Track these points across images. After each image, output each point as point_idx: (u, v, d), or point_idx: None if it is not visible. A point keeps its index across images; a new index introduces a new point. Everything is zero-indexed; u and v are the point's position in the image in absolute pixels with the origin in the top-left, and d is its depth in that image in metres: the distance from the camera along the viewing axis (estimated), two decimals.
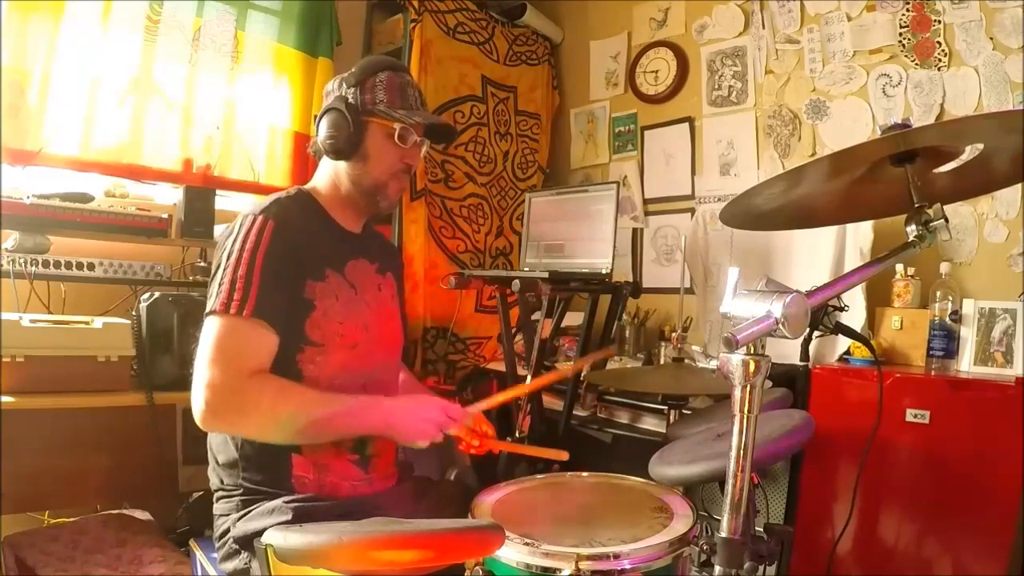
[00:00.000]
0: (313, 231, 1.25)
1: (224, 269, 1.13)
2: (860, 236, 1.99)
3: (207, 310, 1.12)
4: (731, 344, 0.79)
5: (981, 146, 0.91)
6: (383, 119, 1.26)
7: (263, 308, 1.10)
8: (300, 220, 1.23)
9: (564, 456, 1.33)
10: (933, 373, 1.74)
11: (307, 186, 1.35)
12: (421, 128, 1.31)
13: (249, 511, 1.16)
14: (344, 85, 1.28)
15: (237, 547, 1.16)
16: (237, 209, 2.21)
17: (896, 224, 0.97)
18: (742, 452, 0.85)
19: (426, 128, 1.33)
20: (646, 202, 2.77)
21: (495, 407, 1.37)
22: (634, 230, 2.79)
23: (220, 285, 1.11)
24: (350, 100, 1.26)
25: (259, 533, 1.08)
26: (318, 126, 1.28)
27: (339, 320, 1.22)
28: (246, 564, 1.13)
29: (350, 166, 1.28)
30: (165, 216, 2.09)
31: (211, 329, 1.09)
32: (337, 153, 1.27)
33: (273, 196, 1.26)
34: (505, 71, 2.92)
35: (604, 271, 2.14)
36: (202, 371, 1.07)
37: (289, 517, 1.11)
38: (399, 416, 1.16)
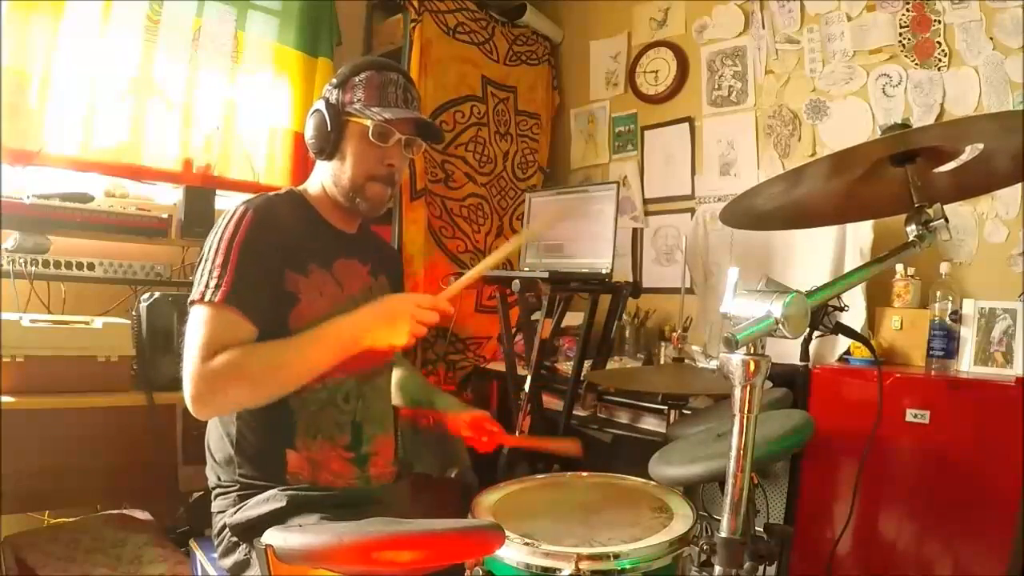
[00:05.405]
0: (298, 226, 1.25)
1: (205, 260, 1.15)
2: (860, 236, 1.99)
3: (188, 300, 1.14)
4: (731, 344, 0.80)
5: (981, 146, 0.91)
6: (358, 117, 1.24)
7: (236, 295, 1.10)
8: (285, 214, 1.23)
9: (576, 450, 1.31)
10: (933, 373, 1.74)
11: (300, 187, 1.36)
12: (406, 125, 1.27)
13: (244, 504, 1.16)
14: (330, 86, 1.29)
15: (235, 539, 1.16)
16: None
17: (896, 224, 0.97)
18: (742, 452, 0.85)
19: (416, 127, 1.29)
20: (646, 202, 2.77)
21: (462, 290, 1.29)
22: (634, 230, 2.79)
23: (201, 275, 1.14)
24: (331, 100, 1.26)
25: (254, 521, 1.10)
26: (306, 127, 1.29)
27: (324, 316, 1.21)
28: (245, 556, 1.14)
29: (332, 166, 1.29)
30: (165, 216, 2.09)
31: (191, 320, 1.12)
32: (319, 153, 1.28)
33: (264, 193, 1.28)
34: (505, 71, 2.92)
35: (604, 271, 2.14)
36: (184, 363, 1.10)
37: (284, 504, 1.11)
38: (371, 323, 1.16)
